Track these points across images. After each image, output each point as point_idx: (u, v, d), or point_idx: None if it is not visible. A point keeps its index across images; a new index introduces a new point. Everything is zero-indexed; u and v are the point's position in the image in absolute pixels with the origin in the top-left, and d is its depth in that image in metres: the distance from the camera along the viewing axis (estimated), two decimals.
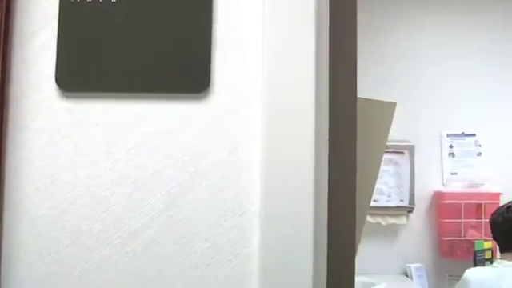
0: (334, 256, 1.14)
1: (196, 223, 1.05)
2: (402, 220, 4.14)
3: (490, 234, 3.58)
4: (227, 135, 1.05)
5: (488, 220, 3.55)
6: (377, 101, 1.55)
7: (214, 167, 1.05)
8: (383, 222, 4.10)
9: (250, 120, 1.05)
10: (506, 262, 3.31)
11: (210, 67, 1.06)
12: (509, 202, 3.47)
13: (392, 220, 4.12)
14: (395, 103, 1.62)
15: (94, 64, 1.08)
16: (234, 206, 1.04)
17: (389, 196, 4.09)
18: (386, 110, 1.62)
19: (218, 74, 1.07)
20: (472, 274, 3.42)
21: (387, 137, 1.62)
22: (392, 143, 4.10)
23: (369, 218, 4.08)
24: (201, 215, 1.05)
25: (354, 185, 1.24)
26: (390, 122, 1.61)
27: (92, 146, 1.07)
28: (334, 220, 1.14)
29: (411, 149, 4.12)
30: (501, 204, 3.71)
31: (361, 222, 1.59)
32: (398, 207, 4.10)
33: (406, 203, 4.10)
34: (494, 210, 3.55)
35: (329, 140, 1.11)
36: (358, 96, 1.45)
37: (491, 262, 3.83)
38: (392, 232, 4.17)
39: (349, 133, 1.24)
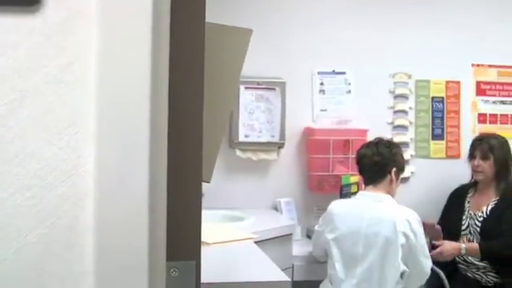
0: (175, 178, 1.13)
1: (28, 143, 1.00)
2: (273, 155, 4.21)
3: (357, 169, 3.72)
4: (61, 52, 1.00)
5: (355, 156, 3.67)
6: (230, 27, 1.53)
7: (46, 85, 1.00)
8: (254, 158, 4.16)
9: (86, 36, 1.01)
10: (367, 193, 3.46)
11: None
12: (376, 138, 3.60)
13: (263, 155, 4.18)
14: (251, 30, 1.60)
15: None
16: (68, 124, 1.00)
17: (260, 132, 4.14)
18: (241, 36, 1.60)
19: None
20: (335, 206, 3.56)
21: (242, 64, 1.61)
22: (263, 80, 4.14)
23: (240, 154, 4.13)
24: (33, 135, 1.00)
25: (200, 112, 1.23)
26: (246, 50, 1.59)
27: None
28: (176, 142, 1.13)
29: (282, 85, 4.17)
30: (368, 140, 3.85)
31: (214, 149, 1.59)
32: (268, 143, 4.17)
33: (276, 139, 4.17)
34: (360, 146, 3.67)
35: (173, 63, 1.09)
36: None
37: None
38: (263, 167, 4.24)
39: (195, 58, 1.22)
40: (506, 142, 4.17)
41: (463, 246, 3.93)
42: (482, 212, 4.05)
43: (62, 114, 1.00)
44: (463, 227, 4.09)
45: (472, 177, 4.20)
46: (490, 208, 4.05)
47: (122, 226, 1.00)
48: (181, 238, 1.21)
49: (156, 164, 1.02)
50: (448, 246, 3.91)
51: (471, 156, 4.14)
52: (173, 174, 1.10)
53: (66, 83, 1.00)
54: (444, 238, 3.99)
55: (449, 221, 4.20)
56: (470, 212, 4.11)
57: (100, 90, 1.00)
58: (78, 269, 1.01)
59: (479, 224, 4.03)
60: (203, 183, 1.24)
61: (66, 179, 1.00)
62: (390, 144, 3.56)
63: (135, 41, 1.00)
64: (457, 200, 4.24)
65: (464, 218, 4.11)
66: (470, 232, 4.06)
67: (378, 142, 3.53)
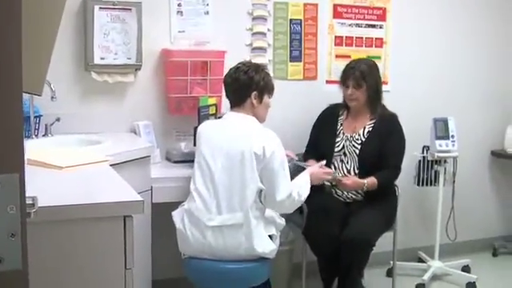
0: None
1: None
2: (130, 78, 4.13)
3: (215, 91, 3.73)
4: None
5: (212, 77, 3.69)
6: None
7: None
8: (110, 81, 4.06)
9: None
10: (233, 113, 3.52)
11: None
12: (238, 64, 3.60)
13: (119, 78, 4.09)
14: None
15: None
16: None
17: (116, 54, 4.03)
18: None
19: None
20: (203, 125, 3.62)
21: None
22: (119, 0, 4.02)
23: (95, 77, 4.03)
24: None
25: (17, 18, 1.17)
26: None
27: None
28: None
29: (139, 6, 4.06)
30: (225, 61, 3.86)
31: (43, 60, 1.53)
32: (125, 65, 4.07)
33: (133, 61, 4.08)
34: (219, 67, 3.69)
35: None
36: None
37: (215, 117, 4.01)
38: (119, 90, 4.16)
39: None
40: (375, 64, 4.26)
41: (365, 181, 4.01)
42: (359, 135, 4.16)
43: None
44: (337, 148, 4.17)
45: (343, 100, 4.28)
46: (367, 130, 4.16)
47: None
48: (2, 151, 1.17)
49: None
50: (353, 184, 4.02)
51: (344, 84, 4.20)
52: None
53: None
54: (316, 159, 4.07)
55: (321, 141, 4.29)
56: (346, 134, 4.20)
57: None
58: None
59: (358, 146, 4.14)
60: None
61: None
62: (248, 68, 3.54)
63: None
64: (328, 121, 4.31)
65: (339, 140, 4.20)
66: (344, 153, 4.16)
67: (238, 68, 3.56)
